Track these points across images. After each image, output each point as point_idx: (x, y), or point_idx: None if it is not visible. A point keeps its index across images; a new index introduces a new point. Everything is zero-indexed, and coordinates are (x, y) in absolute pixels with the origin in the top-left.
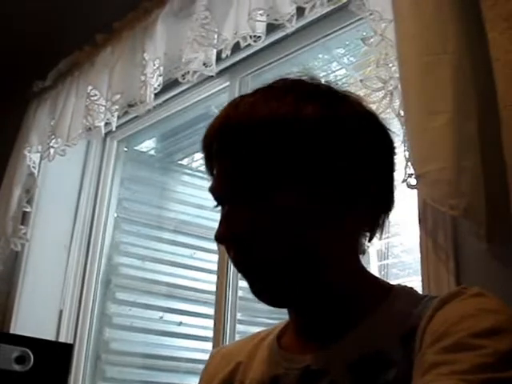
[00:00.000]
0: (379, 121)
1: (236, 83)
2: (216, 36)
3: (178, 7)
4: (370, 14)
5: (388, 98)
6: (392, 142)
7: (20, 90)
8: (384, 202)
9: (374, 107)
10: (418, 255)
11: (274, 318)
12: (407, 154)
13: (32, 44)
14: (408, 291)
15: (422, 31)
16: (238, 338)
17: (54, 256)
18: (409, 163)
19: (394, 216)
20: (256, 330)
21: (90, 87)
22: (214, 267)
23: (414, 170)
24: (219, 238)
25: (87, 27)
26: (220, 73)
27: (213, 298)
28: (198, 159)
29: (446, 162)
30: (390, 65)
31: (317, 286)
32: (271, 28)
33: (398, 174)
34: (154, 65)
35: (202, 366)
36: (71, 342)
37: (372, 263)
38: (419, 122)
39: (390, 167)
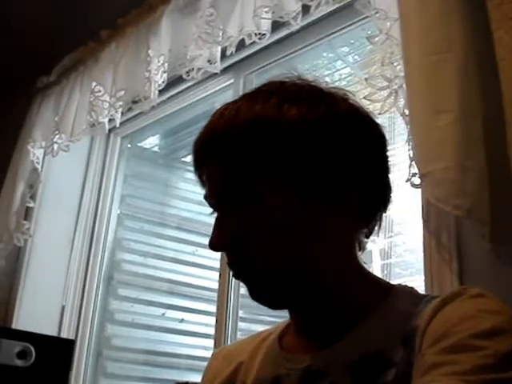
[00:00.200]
0: (368, 117)
1: (240, 81)
2: (221, 33)
3: (183, 4)
4: (376, 13)
5: (393, 97)
6: (382, 136)
7: (24, 86)
8: (379, 199)
9: (378, 106)
10: (421, 255)
11: (276, 315)
12: (411, 153)
13: (36, 40)
14: (408, 291)
15: (428, 30)
16: (239, 335)
17: (56, 252)
18: (413, 162)
19: (397, 215)
20: (258, 327)
21: (94, 83)
22: (217, 264)
23: (418, 169)
24: (212, 245)
25: (92, 23)
26: (224, 70)
27: (215, 295)
28: None
29: (451, 161)
30: (395, 64)
31: (314, 287)
32: (276, 25)
33: (402, 174)
34: (159, 61)
35: (203, 363)
36: (73, 337)
37: (375, 262)
38: (424, 121)
39: (383, 162)
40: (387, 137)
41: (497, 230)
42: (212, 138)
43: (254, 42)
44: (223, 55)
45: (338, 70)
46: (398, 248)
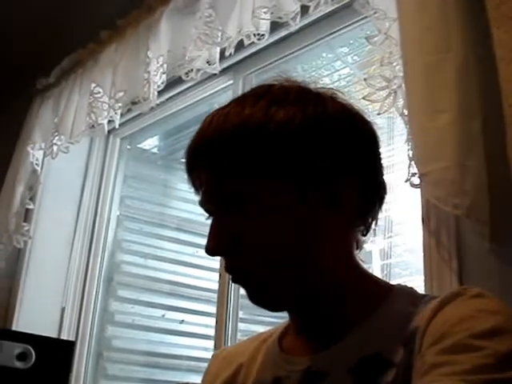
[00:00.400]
0: (358, 115)
1: (239, 81)
2: (220, 34)
3: (182, 5)
4: (375, 13)
5: (392, 97)
6: (374, 135)
7: (23, 88)
8: (373, 198)
9: (377, 106)
10: (421, 254)
11: (276, 316)
12: (411, 153)
13: (35, 41)
14: (408, 291)
15: (427, 30)
16: (239, 336)
17: (56, 253)
18: (412, 162)
19: (397, 215)
20: (258, 328)
21: (93, 84)
22: (217, 265)
23: (418, 169)
24: (209, 250)
25: (91, 24)
26: (223, 71)
27: (215, 296)
28: None
29: (450, 161)
30: (394, 64)
31: (312, 287)
32: (275, 26)
33: (402, 174)
34: (158, 62)
35: (203, 364)
36: (73, 339)
37: (375, 262)
38: (423, 121)
39: (375, 161)
40: (384, 136)
41: (496, 230)
42: (202, 145)
43: (252, 43)
44: (222, 56)
45: (337, 70)
46: (398, 248)
